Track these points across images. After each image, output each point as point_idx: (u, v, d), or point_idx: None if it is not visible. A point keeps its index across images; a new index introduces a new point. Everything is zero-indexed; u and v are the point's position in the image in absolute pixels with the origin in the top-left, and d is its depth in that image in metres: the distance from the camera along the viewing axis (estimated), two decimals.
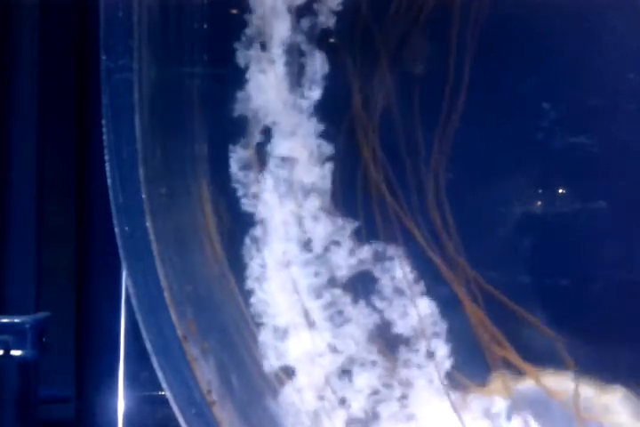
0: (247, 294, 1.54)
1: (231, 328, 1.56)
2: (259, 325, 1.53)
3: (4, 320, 1.66)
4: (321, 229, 1.53)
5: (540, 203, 1.65)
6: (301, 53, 1.54)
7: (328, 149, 1.54)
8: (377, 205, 1.56)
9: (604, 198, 1.60)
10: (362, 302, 1.53)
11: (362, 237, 1.54)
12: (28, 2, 1.75)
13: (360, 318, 1.52)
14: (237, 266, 1.56)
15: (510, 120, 1.61)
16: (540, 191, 1.65)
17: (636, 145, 1.58)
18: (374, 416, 1.51)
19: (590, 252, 1.61)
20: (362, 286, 1.54)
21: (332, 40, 1.56)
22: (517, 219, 1.63)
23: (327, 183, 1.54)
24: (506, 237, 1.61)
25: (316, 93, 1.53)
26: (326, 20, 1.53)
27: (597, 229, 1.62)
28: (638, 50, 1.58)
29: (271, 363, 1.52)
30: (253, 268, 1.54)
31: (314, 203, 1.53)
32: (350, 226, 1.53)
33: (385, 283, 1.53)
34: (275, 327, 1.52)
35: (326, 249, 1.53)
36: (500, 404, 1.52)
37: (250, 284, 1.54)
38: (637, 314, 1.56)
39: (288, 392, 1.51)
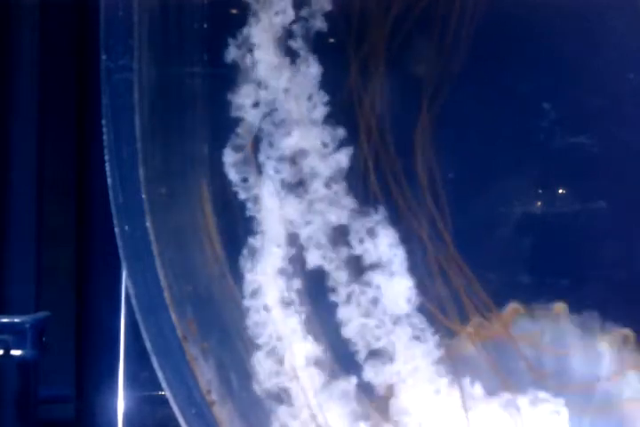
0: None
1: (231, 328, 1.56)
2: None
3: (4, 320, 1.66)
4: (334, 219, 1.53)
5: (539, 203, 1.65)
6: (300, 52, 1.54)
7: (338, 136, 1.54)
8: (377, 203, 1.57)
9: (604, 198, 1.60)
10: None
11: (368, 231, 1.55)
12: (28, 2, 1.75)
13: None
14: (238, 266, 1.56)
15: (510, 120, 1.61)
16: (540, 191, 1.65)
17: (636, 145, 1.58)
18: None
19: (590, 252, 1.61)
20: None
21: (331, 40, 1.56)
22: (517, 219, 1.63)
23: (340, 172, 1.54)
24: (506, 237, 1.61)
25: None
26: (321, 22, 1.54)
27: (597, 229, 1.62)
28: (638, 50, 1.58)
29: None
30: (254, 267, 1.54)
31: (327, 191, 1.53)
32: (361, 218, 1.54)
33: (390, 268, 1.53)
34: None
35: (339, 237, 1.54)
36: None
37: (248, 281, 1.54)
38: (637, 314, 1.56)
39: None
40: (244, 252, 1.53)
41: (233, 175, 1.54)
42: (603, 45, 1.58)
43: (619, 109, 1.59)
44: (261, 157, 1.54)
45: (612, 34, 1.58)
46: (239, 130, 1.54)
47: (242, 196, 1.54)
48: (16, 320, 1.66)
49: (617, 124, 1.58)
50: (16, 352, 1.65)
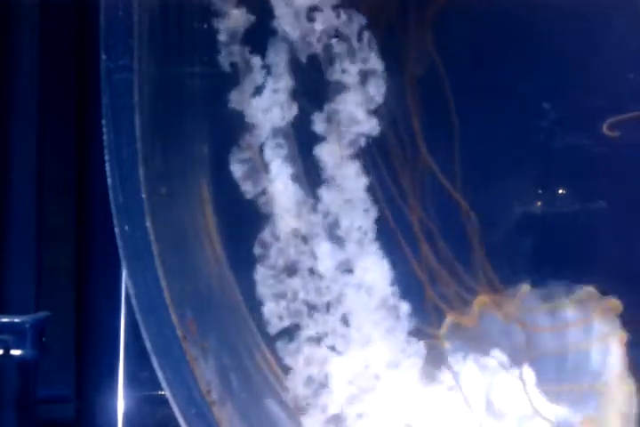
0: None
1: (231, 328, 1.56)
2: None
3: (4, 320, 1.66)
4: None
5: (539, 203, 1.65)
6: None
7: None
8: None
9: (604, 198, 1.60)
10: None
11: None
12: (28, 2, 1.75)
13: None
14: (239, 266, 1.57)
15: (510, 120, 1.61)
16: (540, 191, 1.65)
17: (636, 145, 1.58)
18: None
19: (590, 252, 1.61)
20: None
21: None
22: (517, 219, 1.63)
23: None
24: (506, 237, 1.61)
25: None
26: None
27: (597, 229, 1.62)
28: (638, 50, 1.58)
29: None
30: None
31: None
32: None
33: None
34: None
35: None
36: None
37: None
38: (637, 314, 1.56)
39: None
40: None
41: (235, 174, 1.54)
42: (603, 45, 1.58)
43: (619, 109, 1.59)
44: (267, 155, 1.55)
45: (612, 34, 1.58)
46: (242, 127, 1.55)
47: (244, 195, 1.54)
48: (16, 320, 1.66)
49: (617, 124, 1.58)
50: (16, 352, 1.65)
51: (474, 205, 1.59)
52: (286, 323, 1.53)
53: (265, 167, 1.54)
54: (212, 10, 1.53)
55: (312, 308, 1.53)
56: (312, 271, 1.54)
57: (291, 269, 1.54)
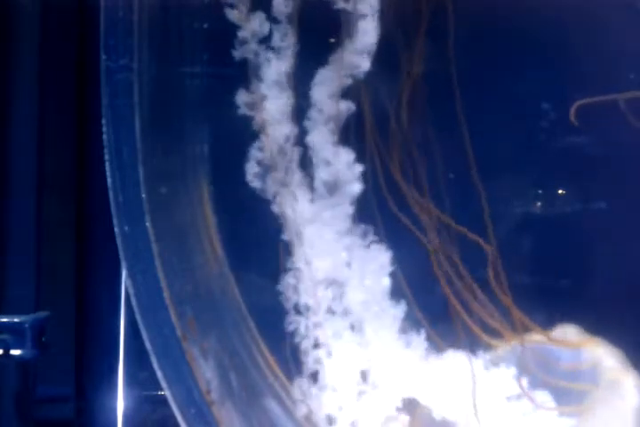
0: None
1: (231, 328, 1.56)
2: None
3: (4, 320, 1.66)
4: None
5: (539, 203, 1.65)
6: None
7: None
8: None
9: (604, 198, 1.60)
10: None
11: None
12: (28, 2, 1.75)
13: None
14: (239, 266, 1.57)
15: (510, 120, 1.61)
16: (540, 191, 1.65)
17: (636, 145, 1.58)
18: None
19: (590, 252, 1.61)
20: None
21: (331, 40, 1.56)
22: (517, 219, 1.63)
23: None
24: (506, 237, 1.61)
25: None
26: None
27: (597, 229, 1.62)
28: (638, 50, 1.58)
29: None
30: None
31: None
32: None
33: None
34: None
35: None
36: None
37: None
38: (637, 314, 1.56)
39: None
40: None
41: (248, 172, 1.54)
42: (603, 45, 1.58)
43: (619, 109, 1.59)
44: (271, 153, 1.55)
45: (612, 34, 1.58)
46: (243, 126, 1.55)
47: (244, 195, 1.54)
48: (16, 320, 1.66)
49: (617, 124, 1.58)
50: (16, 352, 1.65)
51: (474, 205, 1.60)
52: (291, 326, 1.53)
53: (275, 162, 1.54)
54: (213, 8, 1.54)
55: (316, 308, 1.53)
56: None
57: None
